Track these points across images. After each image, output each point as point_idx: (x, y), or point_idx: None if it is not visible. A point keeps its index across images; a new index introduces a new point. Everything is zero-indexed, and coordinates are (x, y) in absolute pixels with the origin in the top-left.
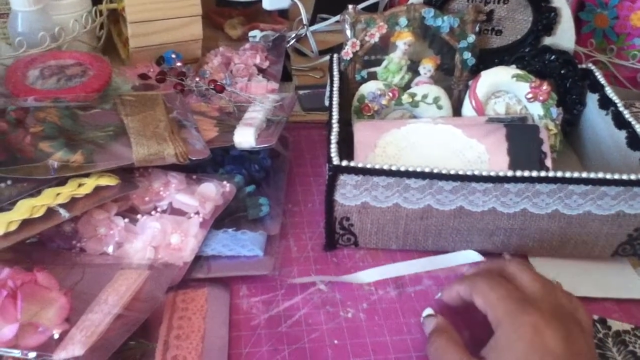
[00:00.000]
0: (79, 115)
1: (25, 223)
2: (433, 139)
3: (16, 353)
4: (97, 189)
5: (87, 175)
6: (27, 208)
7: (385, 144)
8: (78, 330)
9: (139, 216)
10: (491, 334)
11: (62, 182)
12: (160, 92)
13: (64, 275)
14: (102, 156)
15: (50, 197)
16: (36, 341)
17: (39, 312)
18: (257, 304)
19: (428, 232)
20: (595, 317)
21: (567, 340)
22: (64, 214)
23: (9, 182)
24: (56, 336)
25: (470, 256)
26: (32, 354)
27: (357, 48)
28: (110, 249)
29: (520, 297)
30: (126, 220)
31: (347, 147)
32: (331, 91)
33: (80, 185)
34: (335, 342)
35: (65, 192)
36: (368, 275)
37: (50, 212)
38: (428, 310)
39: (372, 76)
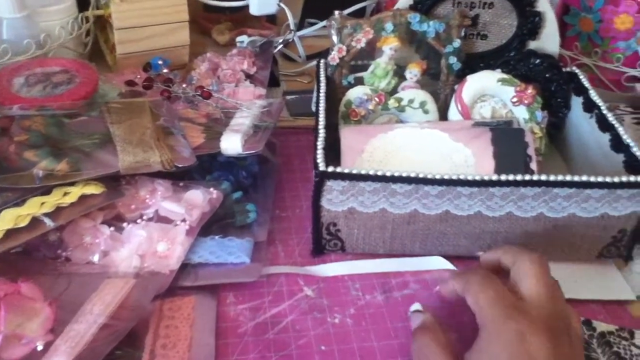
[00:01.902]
0: (64, 123)
1: (10, 233)
2: (420, 143)
3: None
4: (83, 198)
5: (72, 184)
6: (11, 217)
7: (373, 148)
8: (63, 341)
9: (125, 224)
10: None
11: (47, 191)
12: (147, 99)
13: (50, 285)
14: (87, 164)
15: (35, 207)
16: (20, 353)
17: (23, 323)
18: (244, 311)
19: (415, 236)
20: (581, 318)
21: (551, 347)
22: (49, 223)
23: None
24: (40, 347)
25: (438, 263)
26: None
27: (344, 53)
28: (96, 258)
29: (511, 302)
30: (112, 228)
31: (334, 153)
32: (318, 97)
33: (65, 194)
34: (323, 348)
35: (51, 201)
36: (332, 269)
37: (35, 221)
38: (416, 306)
39: (359, 81)
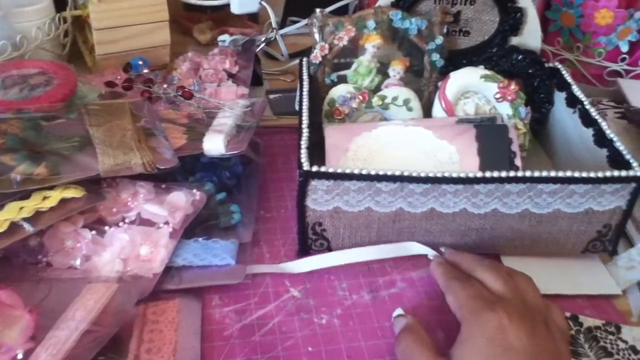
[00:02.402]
0: (42, 126)
1: None
2: (404, 140)
3: None
4: (63, 202)
5: (52, 188)
6: None
7: (357, 147)
8: (44, 349)
9: (106, 228)
10: None
11: (26, 195)
12: (127, 100)
13: (30, 292)
14: (67, 167)
15: (14, 212)
16: None
17: (3, 331)
18: (230, 314)
19: (401, 234)
20: (567, 314)
21: (530, 336)
22: (29, 228)
23: None
24: (20, 356)
25: (415, 248)
26: None
27: (326, 51)
28: (77, 263)
29: (488, 296)
30: (93, 232)
31: (319, 151)
32: (301, 95)
33: (45, 198)
34: (310, 349)
35: (29, 205)
36: (305, 265)
37: (14, 226)
38: (398, 311)
39: (342, 79)
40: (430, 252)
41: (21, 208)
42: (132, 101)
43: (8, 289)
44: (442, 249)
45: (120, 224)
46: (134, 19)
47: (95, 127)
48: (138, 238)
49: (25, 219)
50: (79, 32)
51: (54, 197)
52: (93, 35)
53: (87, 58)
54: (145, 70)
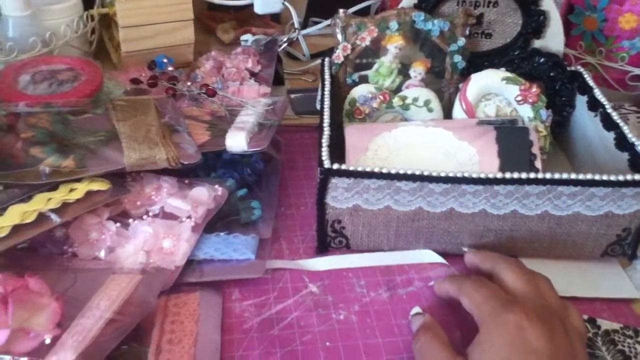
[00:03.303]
0: (70, 121)
1: (16, 229)
2: (424, 141)
3: (7, 359)
4: (89, 194)
5: (78, 180)
6: (18, 213)
7: (377, 146)
8: (69, 336)
9: (130, 220)
10: None
11: (53, 187)
12: (152, 97)
13: (56, 281)
14: (93, 161)
15: (42, 203)
16: (27, 347)
17: (30, 317)
18: (249, 308)
19: (419, 234)
20: (585, 317)
21: (549, 338)
22: (55, 219)
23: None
24: (47, 341)
25: (429, 256)
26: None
27: (348, 52)
28: (102, 254)
29: (505, 296)
30: (118, 224)
31: (339, 151)
32: (322, 95)
33: (71, 190)
34: (328, 344)
35: (57, 197)
36: (322, 264)
37: (42, 217)
38: (416, 309)
39: (363, 79)
40: (444, 261)
41: (49, 199)
42: (156, 97)
43: (36, 277)
44: (465, 249)
45: (144, 217)
46: (159, 18)
47: (121, 122)
48: (161, 231)
49: (52, 210)
50: (105, 29)
51: (81, 189)
52: (119, 32)
53: (113, 55)
54: (170, 68)
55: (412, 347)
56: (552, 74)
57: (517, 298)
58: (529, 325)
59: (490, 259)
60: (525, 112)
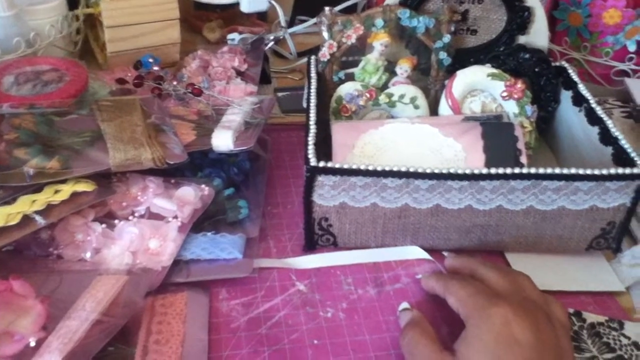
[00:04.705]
0: (55, 122)
1: (1, 231)
2: (411, 138)
3: None
4: (74, 195)
5: (63, 182)
6: (2, 216)
7: (364, 144)
8: (55, 338)
9: (116, 221)
10: None
11: (38, 189)
12: (138, 97)
13: (41, 283)
14: (78, 162)
15: (26, 205)
16: (12, 350)
17: (15, 320)
18: (237, 307)
19: (406, 230)
20: (571, 310)
21: (535, 331)
22: (41, 221)
23: None
24: (32, 344)
25: (416, 252)
26: None
27: (334, 49)
28: (87, 255)
29: (490, 292)
30: (104, 225)
31: (326, 148)
32: (309, 93)
33: (56, 191)
34: (315, 342)
35: (42, 199)
36: (309, 262)
37: (26, 219)
38: (404, 304)
39: (350, 77)
40: (430, 258)
41: (33, 201)
42: (142, 97)
43: (20, 279)
44: (445, 254)
45: (130, 217)
46: (145, 17)
47: (106, 123)
48: (147, 232)
49: (37, 212)
50: (90, 29)
51: (66, 190)
52: (105, 32)
53: (99, 55)
54: (156, 68)
55: (400, 343)
56: (537, 70)
57: (502, 294)
58: (514, 318)
59: (470, 263)
60: (511, 108)
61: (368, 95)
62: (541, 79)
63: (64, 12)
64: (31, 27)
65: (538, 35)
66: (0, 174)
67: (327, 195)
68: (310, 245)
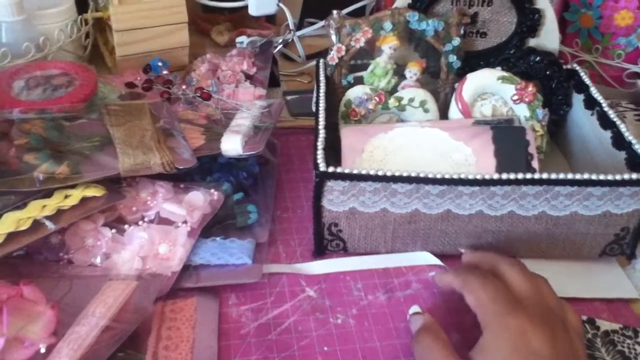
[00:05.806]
0: (64, 126)
1: (11, 236)
2: (420, 142)
3: None
4: (84, 200)
5: (73, 187)
6: (12, 221)
7: (373, 148)
8: (65, 344)
9: (126, 226)
10: (480, 335)
11: (48, 194)
12: (147, 101)
13: (51, 288)
14: (88, 167)
15: (37, 210)
16: (23, 355)
17: (26, 326)
18: (247, 312)
19: (416, 235)
20: (584, 317)
21: (552, 343)
22: (51, 226)
23: None
24: (43, 350)
25: (426, 258)
26: None
27: (343, 53)
28: (97, 260)
29: (509, 297)
30: (113, 230)
31: (334, 152)
32: (318, 97)
33: (66, 196)
34: (325, 348)
35: (52, 204)
36: (319, 267)
37: (37, 224)
38: (415, 308)
39: (359, 81)
40: (441, 263)
41: (44, 206)
42: (151, 102)
43: (31, 285)
44: (462, 250)
45: (140, 222)
46: (154, 21)
47: (115, 127)
48: (157, 237)
49: (47, 217)
50: (99, 33)
51: (75, 195)
52: (113, 36)
53: (108, 59)
54: (165, 72)
55: (412, 349)
56: (548, 73)
57: (522, 300)
58: (532, 329)
59: (489, 258)
60: (522, 112)
61: (377, 98)
62: (552, 82)
63: (73, 17)
64: (40, 31)
65: (549, 37)
66: (11, 179)
67: (337, 200)
68: (320, 251)
